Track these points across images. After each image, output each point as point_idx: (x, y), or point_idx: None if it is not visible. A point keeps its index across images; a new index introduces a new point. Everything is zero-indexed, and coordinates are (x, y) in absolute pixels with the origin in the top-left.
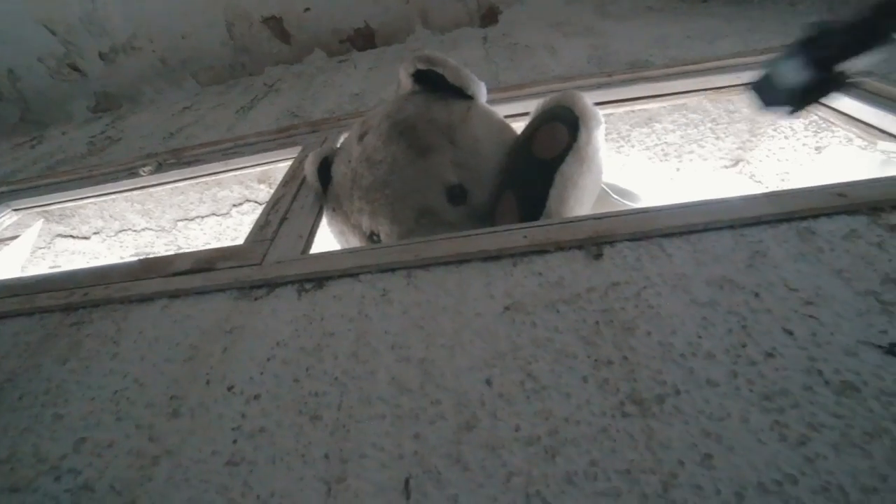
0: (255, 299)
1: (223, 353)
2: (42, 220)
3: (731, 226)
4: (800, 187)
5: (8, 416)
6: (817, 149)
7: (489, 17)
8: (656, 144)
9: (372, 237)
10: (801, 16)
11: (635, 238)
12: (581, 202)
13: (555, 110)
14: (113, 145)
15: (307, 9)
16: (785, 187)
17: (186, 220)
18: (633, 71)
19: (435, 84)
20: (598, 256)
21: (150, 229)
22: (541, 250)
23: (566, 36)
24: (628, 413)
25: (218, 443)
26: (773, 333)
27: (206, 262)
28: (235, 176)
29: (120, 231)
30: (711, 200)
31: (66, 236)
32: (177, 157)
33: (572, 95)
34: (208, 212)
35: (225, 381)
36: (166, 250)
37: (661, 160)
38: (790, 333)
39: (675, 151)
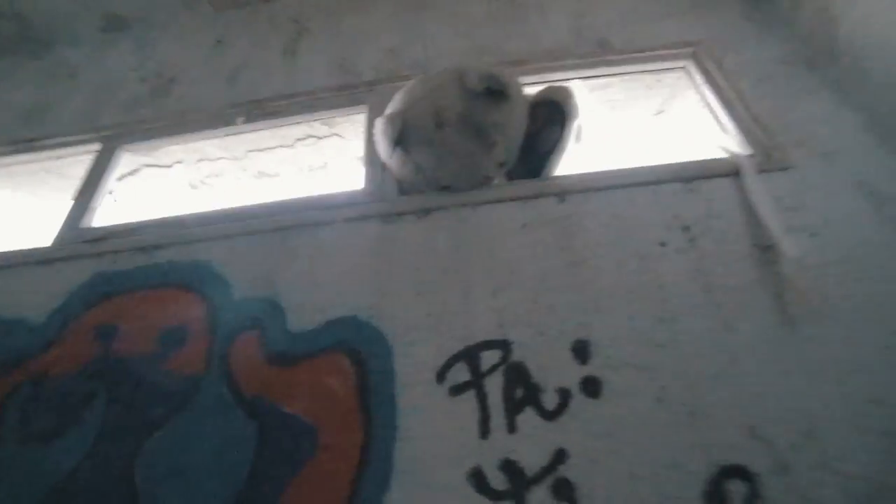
0: None
1: None
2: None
3: (644, 183)
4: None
5: None
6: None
7: None
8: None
9: (444, 188)
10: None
11: (586, 190)
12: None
13: (552, 114)
14: (175, 86)
15: None
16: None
17: (257, 150)
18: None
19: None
20: (563, 199)
21: (225, 158)
22: (534, 195)
23: None
24: (569, 262)
25: None
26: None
27: None
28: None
29: (198, 161)
30: (632, 168)
31: (151, 166)
32: (261, 108)
33: (566, 96)
34: (276, 144)
35: None
36: (237, 177)
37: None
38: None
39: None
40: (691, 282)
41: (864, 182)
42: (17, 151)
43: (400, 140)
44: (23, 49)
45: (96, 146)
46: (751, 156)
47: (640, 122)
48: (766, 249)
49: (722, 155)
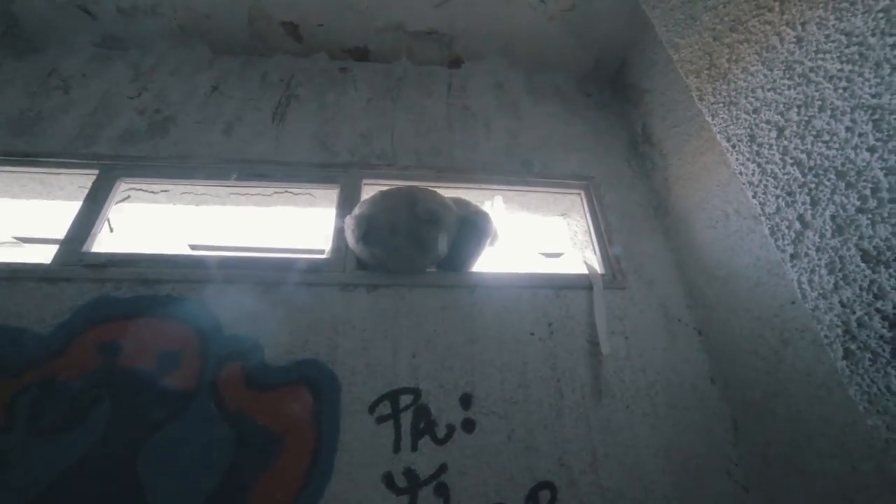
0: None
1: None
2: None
3: (529, 287)
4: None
5: None
6: (563, 215)
7: (454, 64)
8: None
9: (391, 271)
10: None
11: (488, 287)
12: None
13: (473, 231)
14: (172, 126)
15: (320, 24)
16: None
17: (238, 195)
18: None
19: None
20: (473, 291)
21: (209, 195)
22: (453, 286)
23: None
24: (468, 338)
25: None
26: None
27: None
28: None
29: (183, 193)
30: (522, 274)
31: (139, 189)
32: (251, 169)
33: (485, 220)
34: (256, 192)
35: None
36: (221, 209)
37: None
38: (532, 334)
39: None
40: (544, 362)
41: (663, 304)
42: (11, 163)
43: (364, 237)
44: (6, 46)
45: (93, 171)
46: (602, 275)
47: (549, 220)
48: (594, 345)
49: (584, 269)
